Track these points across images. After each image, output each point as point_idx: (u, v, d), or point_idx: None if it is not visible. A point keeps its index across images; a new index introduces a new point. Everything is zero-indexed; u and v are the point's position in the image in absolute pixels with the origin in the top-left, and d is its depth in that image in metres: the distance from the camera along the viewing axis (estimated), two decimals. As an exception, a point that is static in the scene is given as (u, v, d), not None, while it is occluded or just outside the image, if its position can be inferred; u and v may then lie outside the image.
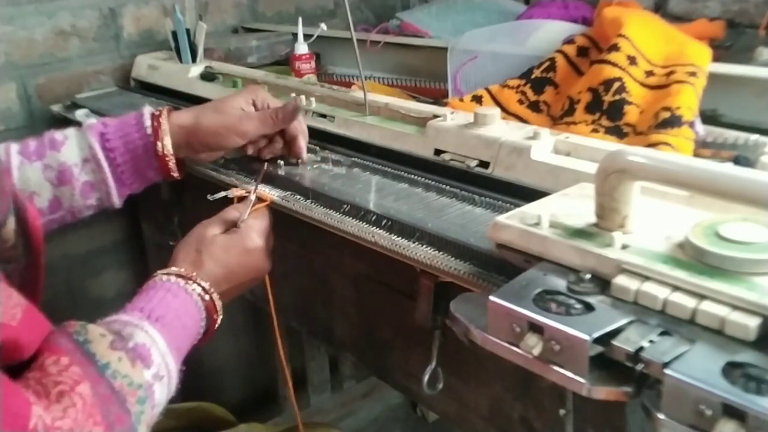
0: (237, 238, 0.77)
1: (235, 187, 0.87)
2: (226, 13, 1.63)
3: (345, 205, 0.79)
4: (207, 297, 0.72)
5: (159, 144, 0.86)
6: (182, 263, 0.74)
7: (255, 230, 0.78)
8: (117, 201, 0.89)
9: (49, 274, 1.55)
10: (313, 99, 1.05)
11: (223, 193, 0.85)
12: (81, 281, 1.50)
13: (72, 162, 0.85)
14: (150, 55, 1.45)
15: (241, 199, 0.83)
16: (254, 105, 0.91)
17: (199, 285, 0.71)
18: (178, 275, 0.71)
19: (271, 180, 0.89)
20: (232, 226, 0.79)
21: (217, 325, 0.73)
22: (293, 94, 1.07)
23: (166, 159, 0.87)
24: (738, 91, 0.89)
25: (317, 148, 0.97)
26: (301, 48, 1.32)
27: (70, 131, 0.88)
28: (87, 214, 0.88)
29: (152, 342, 0.63)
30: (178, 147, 0.88)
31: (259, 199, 0.83)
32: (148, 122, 0.87)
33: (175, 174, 0.89)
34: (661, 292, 0.48)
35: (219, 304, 0.73)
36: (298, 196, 0.84)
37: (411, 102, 1.03)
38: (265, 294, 0.86)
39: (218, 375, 1.66)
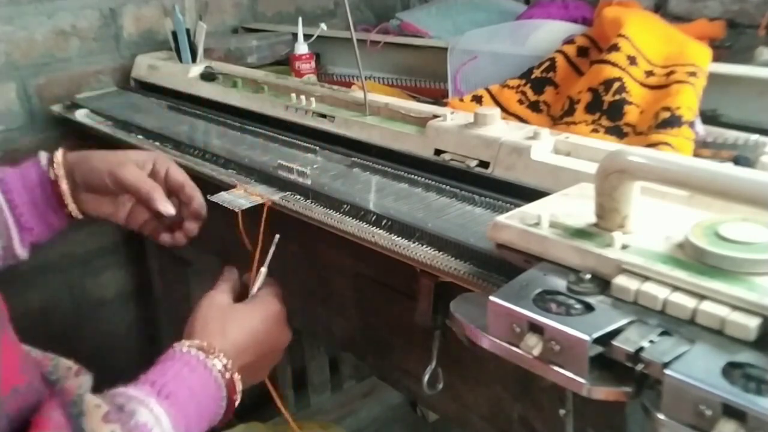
0: (260, 304, 0.74)
1: (235, 187, 0.87)
2: (226, 13, 1.63)
3: (345, 205, 0.79)
4: (228, 375, 0.66)
5: (52, 174, 0.82)
6: (202, 334, 0.69)
7: (274, 295, 0.77)
8: (20, 249, 0.82)
9: (49, 274, 1.56)
10: (313, 99, 1.05)
11: (223, 193, 0.85)
12: (81, 281, 1.50)
13: None
14: (150, 55, 1.45)
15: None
16: (154, 168, 0.84)
17: (220, 361, 0.66)
18: (199, 348, 0.66)
19: (271, 180, 0.89)
20: (239, 293, 0.77)
21: (235, 406, 0.68)
22: (293, 94, 1.07)
23: (62, 194, 0.82)
24: (738, 91, 0.89)
25: (317, 148, 0.97)
26: (301, 48, 1.32)
27: None
28: None
29: (155, 422, 0.58)
30: (71, 183, 0.83)
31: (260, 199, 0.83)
32: (44, 161, 0.84)
33: (75, 213, 0.84)
34: (661, 292, 0.48)
35: (239, 384, 0.68)
36: (298, 196, 0.84)
37: (411, 102, 1.03)
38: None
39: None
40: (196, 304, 0.73)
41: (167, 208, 0.81)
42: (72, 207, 0.83)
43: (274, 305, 0.75)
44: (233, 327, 0.70)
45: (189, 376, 0.63)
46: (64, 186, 0.82)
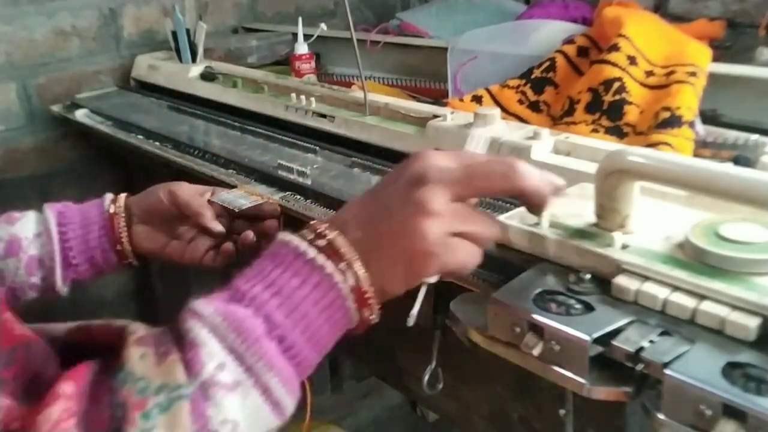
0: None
1: (235, 186, 0.87)
2: (226, 13, 1.63)
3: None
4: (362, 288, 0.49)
5: (112, 208, 0.81)
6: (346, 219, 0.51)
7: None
8: (60, 284, 0.80)
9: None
10: (313, 99, 1.05)
11: (224, 193, 0.85)
12: (81, 281, 1.50)
13: (23, 235, 0.79)
14: (150, 55, 1.45)
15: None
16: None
17: (354, 272, 0.49)
18: (323, 249, 0.49)
19: (271, 180, 0.89)
20: None
21: (371, 304, 0.51)
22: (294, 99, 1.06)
23: (116, 228, 0.81)
24: (738, 91, 0.89)
25: (317, 148, 0.97)
26: (301, 48, 1.32)
27: (31, 212, 0.82)
28: (30, 296, 0.80)
29: (213, 329, 0.46)
30: (127, 217, 0.81)
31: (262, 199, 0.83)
32: (107, 200, 0.82)
33: (127, 250, 0.81)
34: (661, 292, 0.48)
35: (374, 301, 0.51)
36: (298, 196, 0.84)
37: (411, 102, 1.03)
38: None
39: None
40: None
41: (216, 226, 0.79)
42: (125, 242, 0.81)
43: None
44: (371, 220, 0.51)
45: (275, 270, 0.48)
46: (121, 221, 0.81)
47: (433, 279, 0.53)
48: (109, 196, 0.84)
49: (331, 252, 0.49)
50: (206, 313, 0.46)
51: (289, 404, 0.47)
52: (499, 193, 0.63)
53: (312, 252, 0.49)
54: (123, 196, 0.83)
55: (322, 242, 0.49)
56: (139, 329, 0.50)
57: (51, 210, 0.81)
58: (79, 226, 0.81)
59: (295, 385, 0.48)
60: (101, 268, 0.83)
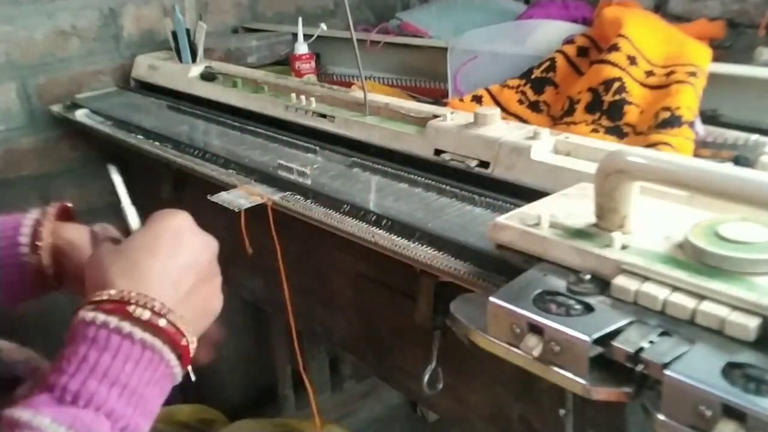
0: (152, 223, 0.56)
1: (235, 186, 0.87)
2: (226, 13, 1.62)
3: (345, 205, 0.79)
4: (161, 322, 0.50)
5: (33, 258, 0.67)
6: (102, 284, 0.51)
7: (163, 215, 0.57)
8: None
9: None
10: (313, 99, 1.05)
11: (223, 193, 0.85)
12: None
13: None
14: (150, 55, 1.45)
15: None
16: None
17: (142, 309, 0.49)
18: (106, 305, 0.49)
19: (271, 180, 0.89)
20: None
21: (190, 352, 0.52)
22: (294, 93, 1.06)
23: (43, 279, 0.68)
24: (738, 91, 0.89)
25: (317, 148, 0.97)
26: (301, 48, 1.32)
27: None
28: None
29: None
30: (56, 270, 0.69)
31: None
32: (24, 239, 0.68)
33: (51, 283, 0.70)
34: (660, 293, 0.48)
35: (184, 325, 0.51)
36: (298, 196, 0.84)
37: (411, 102, 1.03)
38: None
39: (218, 375, 1.66)
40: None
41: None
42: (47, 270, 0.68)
43: (171, 216, 0.57)
44: (138, 257, 0.53)
45: (104, 359, 0.47)
46: (49, 274, 0.68)
47: None
48: (28, 224, 0.69)
49: (156, 327, 0.50)
50: (42, 425, 0.44)
51: None
52: None
53: (138, 332, 0.49)
54: (47, 231, 0.68)
55: (144, 315, 0.49)
56: None
57: None
58: None
59: None
60: (22, 300, 0.71)
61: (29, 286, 0.69)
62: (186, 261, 0.54)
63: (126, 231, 0.61)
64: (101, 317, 0.48)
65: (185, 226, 0.57)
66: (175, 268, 0.53)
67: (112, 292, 0.50)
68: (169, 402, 0.53)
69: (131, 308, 0.49)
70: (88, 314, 0.49)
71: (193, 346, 0.52)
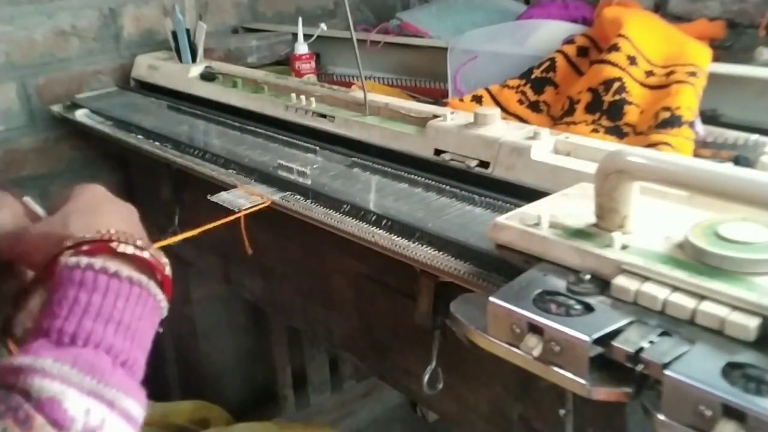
0: (73, 192, 0.57)
1: (235, 186, 0.87)
2: (226, 13, 1.63)
3: (345, 205, 0.79)
4: (146, 255, 0.52)
5: None
6: (71, 227, 0.52)
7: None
8: None
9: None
10: (313, 99, 1.05)
11: (223, 193, 0.85)
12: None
13: None
14: (150, 55, 1.45)
15: None
16: None
17: (128, 243, 0.51)
18: (89, 251, 0.50)
19: (271, 180, 0.89)
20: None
21: (170, 281, 0.54)
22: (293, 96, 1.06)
23: None
24: (738, 91, 0.89)
25: (317, 148, 0.97)
26: (301, 48, 1.32)
27: None
28: None
29: (64, 379, 0.44)
30: None
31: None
32: None
33: None
34: (660, 293, 0.48)
35: (162, 257, 0.53)
36: (298, 196, 0.84)
37: (411, 102, 1.03)
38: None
39: (218, 375, 1.66)
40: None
41: None
42: None
43: (91, 186, 0.59)
44: (90, 213, 0.54)
45: (95, 298, 0.48)
46: None
47: None
48: None
49: (141, 260, 0.51)
50: (46, 365, 0.44)
51: (142, 414, 0.48)
52: None
53: (124, 269, 0.50)
54: None
55: (128, 250, 0.51)
56: None
57: None
58: None
59: (142, 394, 0.48)
60: None
61: None
62: (127, 211, 0.57)
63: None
64: (84, 260, 0.49)
65: (106, 192, 0.58)
66: (126, 216, 0.56)
67: (89, 235, 0.51)
68: (168, 399, 0.52)
69: (114, 244, 0.50)
70: (70, 260, 0.49)
71: (169, 278, 0.54)
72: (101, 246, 0.50)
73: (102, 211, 0.55)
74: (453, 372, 0.78)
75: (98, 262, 0.49)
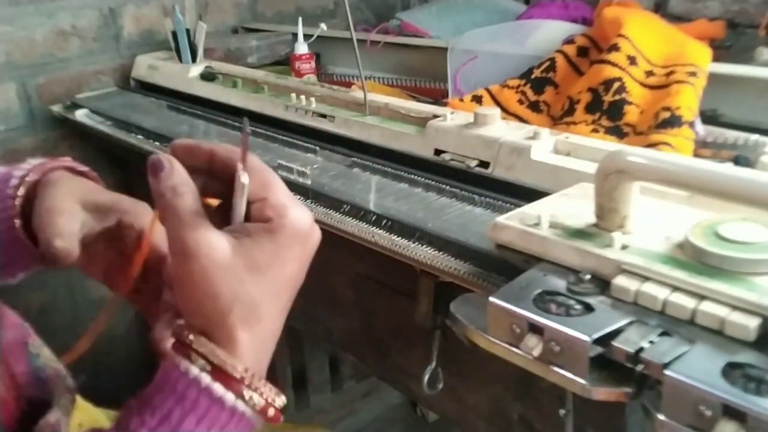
0: (285, 238, 0.48)
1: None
2: (226, 13, 1.63)
3: (345, 205, 0.79)
4: (271, 412, 0.46)
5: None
6: (216, 332, 0.43)
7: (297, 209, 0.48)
8: None
9: (50, 274, 1.55)
10: (313, 99, 1.05)
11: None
12: (81, 281, 1.50)
13: None
14: (150, 55, 1.45)
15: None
16: None
17: (255, 393, 0.44)
18: (215, 372, 0.42)
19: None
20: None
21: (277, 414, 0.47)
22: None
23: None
24: (738, 91, 0.89)
25: (317, 148, 0.97)
26: (301, 48, 1.32)
27: None
28: None
29: None
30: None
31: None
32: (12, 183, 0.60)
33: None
34: (660, 293, 0.48)
35: (277, 397, 0.47)
36: (298, 196, 0.84)
37: (411, 102, 1.03)
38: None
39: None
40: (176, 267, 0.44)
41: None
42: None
43: (310, 247, 0.51)
44: (263, 298, 0.45)
45: (188, 422, 0.42)
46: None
47: None
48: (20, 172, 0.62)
49: (261, 412, 0.45)
50: None
51: None
52: None
53: (230, 398, 0.43)
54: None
55: (257, 402, 0.45)
56: None
57: None
58: None
59: None
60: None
61: (20, 249, 0.60)
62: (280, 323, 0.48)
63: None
64: (194, 371, 0.42)
65: (308, 258, 0.50)
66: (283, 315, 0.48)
67: (229, 362, 0.43)
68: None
69: (246, 392, 0.44)
70: (192, 369, 0.42)
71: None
72: (231, 382, 0.43)
73: (270, 315, 0.46)
74: (453, 372, 0.77)
75: (218, 391, 0.42)
